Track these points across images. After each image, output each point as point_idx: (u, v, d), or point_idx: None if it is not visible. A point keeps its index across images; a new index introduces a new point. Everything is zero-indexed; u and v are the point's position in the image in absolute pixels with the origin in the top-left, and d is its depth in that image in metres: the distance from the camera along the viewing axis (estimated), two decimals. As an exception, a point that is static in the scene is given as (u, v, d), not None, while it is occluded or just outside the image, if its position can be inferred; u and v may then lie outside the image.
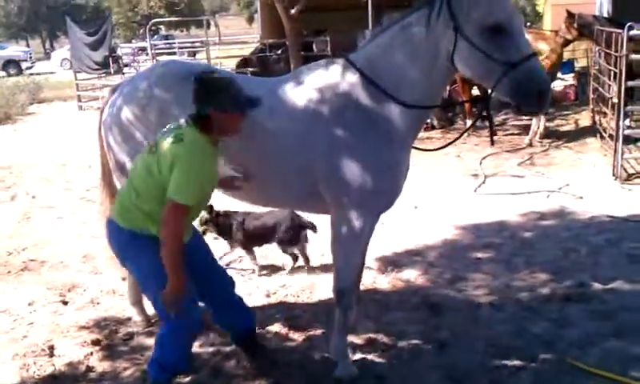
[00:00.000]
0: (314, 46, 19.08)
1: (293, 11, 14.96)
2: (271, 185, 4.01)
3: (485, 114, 3.86)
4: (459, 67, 3.45)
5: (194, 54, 32.18)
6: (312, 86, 3.81)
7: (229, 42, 27.63)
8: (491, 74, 3.32)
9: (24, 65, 37.74)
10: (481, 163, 9.51)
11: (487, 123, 4.02)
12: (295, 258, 5.75)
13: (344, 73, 3.75)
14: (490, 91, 3.51)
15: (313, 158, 3.74)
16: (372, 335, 4.50)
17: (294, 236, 5.57)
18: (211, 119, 3.39)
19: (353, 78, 3.71)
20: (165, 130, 3.51)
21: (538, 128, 10.84)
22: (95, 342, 4.56)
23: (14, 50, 43.73)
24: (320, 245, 6.23)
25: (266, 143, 3.84)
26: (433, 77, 3.59)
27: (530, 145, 10.63)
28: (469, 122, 11.52)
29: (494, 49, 3.26)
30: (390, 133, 3.67)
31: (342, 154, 3.66)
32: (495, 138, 10.61)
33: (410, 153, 3.88)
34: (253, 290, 5.38)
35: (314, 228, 5.64)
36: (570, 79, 14.77)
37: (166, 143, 3.35)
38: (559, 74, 13.02)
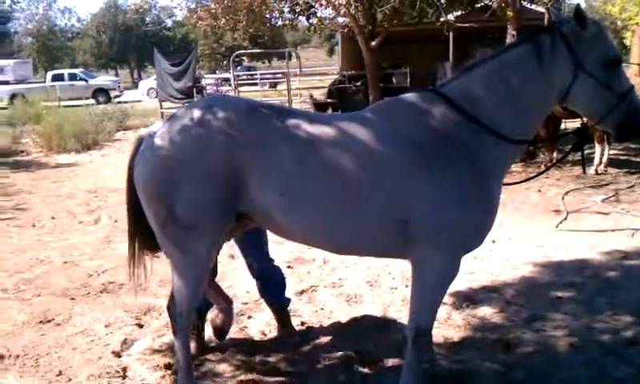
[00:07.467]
0: (394, 79, 19.17)
1: (373, 43, 15.10)
2: (349, 229, 3.60)
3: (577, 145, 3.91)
4: (573, 101, 3.47)
5: (274, 85, 32.78)
6: (399, 120, 3.59)
7: (309, 74, 28.05)
8: (606, 106, 3.39)
9: (112, 93, 39.19)
10: (563, 199, 9.23)
11: (571, 156, 4.02)
12: None
13: (435, 106, 3.54)
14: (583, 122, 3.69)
15: (401, 198, 3.43)
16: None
17: None
18: None
19: (444, 111, 3.51)
20: None
21: (602, 156, 10.95)
22: (167, 366, 4.60)
23: (104, 79, 45.67)
24: (392, 279, 6.17)
25: (346, 179, 3.48)
26: (536, 112, 3.55)
27: (597, 173, 10.74)
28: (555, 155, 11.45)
29: (611, 81, 3.36)
30: (484, 169, 3.49)
31: (436, 192, 3.39)
32: (579, 172, 10.42)
33: (501, 188, 3.71)
34: (324, 321, 5.35)
35: None
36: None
37: None
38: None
